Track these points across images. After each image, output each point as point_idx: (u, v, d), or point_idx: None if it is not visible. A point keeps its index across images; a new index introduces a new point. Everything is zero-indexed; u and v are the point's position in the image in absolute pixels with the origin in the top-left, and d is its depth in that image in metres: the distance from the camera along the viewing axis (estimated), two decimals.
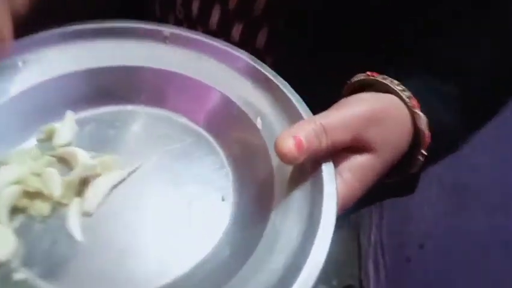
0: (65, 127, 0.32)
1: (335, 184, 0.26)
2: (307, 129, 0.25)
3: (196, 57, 0.35)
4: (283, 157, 0.25)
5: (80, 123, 0.33)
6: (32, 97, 0.32)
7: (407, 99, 0.30)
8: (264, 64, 0.34)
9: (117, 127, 0.34)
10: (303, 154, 0.25)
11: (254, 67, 0.33)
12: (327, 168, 0.26)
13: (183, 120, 0.34)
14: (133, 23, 0.36)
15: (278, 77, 0.32)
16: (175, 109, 0.35)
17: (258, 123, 0.31)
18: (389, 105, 0.29)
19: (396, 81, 0.31)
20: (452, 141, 0.37)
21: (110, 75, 0.34)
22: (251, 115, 0.32)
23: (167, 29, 0.36)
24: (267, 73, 0.33)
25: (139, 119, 0.34)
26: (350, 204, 0.27)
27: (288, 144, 0.25)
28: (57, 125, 0.32)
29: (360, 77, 0.32)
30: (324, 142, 0.26)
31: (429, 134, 0.30)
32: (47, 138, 0.32)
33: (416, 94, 0.30)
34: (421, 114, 0.29)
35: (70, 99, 0.33)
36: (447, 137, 0.33)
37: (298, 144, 0.25)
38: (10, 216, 0.27)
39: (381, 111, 0.28)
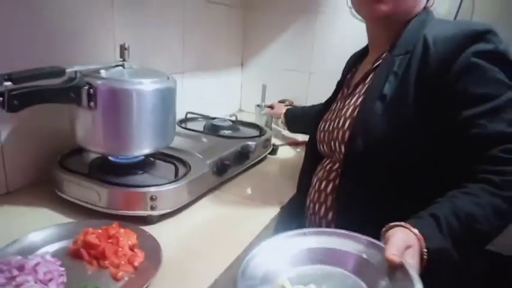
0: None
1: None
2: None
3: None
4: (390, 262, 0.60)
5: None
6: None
7: (416, 233, 0.65)
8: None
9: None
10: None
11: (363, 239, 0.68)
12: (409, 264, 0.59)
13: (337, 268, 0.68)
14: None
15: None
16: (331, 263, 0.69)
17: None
18: (407, 233, 0.65)
19: (410, 225, 0.66)
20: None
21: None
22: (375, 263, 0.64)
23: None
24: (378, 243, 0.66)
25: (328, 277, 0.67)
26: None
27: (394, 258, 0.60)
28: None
29: (392, 223, 0.68)
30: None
31: (425, 244, 0.64)
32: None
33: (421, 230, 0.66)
34: (419, 235, 0.65)
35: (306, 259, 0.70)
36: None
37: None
38: None
39: (403, 235, 0.65)
